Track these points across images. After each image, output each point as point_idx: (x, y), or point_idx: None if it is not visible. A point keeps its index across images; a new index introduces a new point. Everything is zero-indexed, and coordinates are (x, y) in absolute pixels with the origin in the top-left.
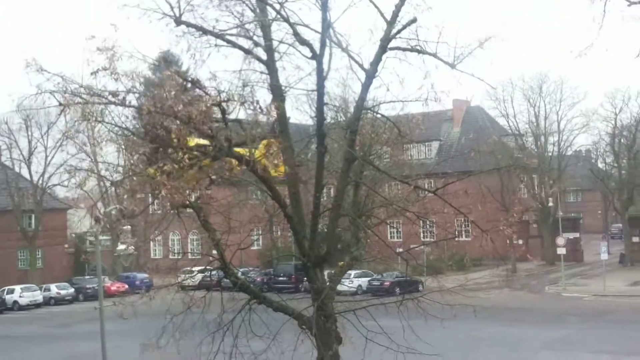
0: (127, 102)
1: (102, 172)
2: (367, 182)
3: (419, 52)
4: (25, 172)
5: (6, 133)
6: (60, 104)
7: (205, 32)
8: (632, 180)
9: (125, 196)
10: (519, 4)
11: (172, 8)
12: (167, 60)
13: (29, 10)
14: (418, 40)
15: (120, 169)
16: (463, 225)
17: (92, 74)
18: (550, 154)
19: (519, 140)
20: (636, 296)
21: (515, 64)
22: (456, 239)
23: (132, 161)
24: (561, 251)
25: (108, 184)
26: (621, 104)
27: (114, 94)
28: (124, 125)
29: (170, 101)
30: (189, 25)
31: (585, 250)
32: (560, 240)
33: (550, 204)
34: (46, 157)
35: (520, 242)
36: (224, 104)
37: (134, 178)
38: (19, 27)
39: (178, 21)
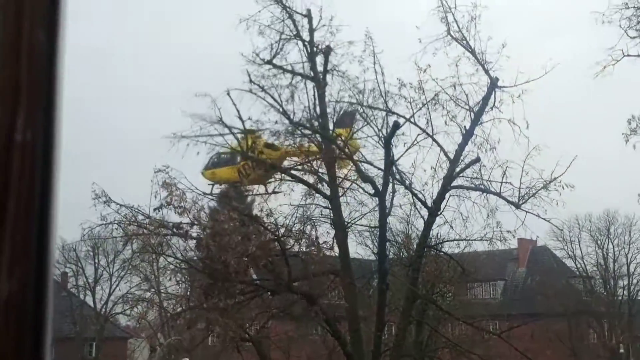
0: (189, 235)
1: (164, 304)
2: (430, 321)
3: (482, 191)
4: (89, 300)
5: (74, 260)
6: (126, 235)
7: (270, 167)
8: None
9: (186, 328)
10: (584, 144)
11: (239, 143)
12: (227, 196)
13: (97, 142)
14: (481, 179)
15: (181, 300)
16: None
17: (155, 210)
18: (620, 298)
19: (587, 283)
20: None
21: (582, 202)
22: None
23: (189, 293)
24: None
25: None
26: None
27: (177, 226)
28: (184, 258)
29: (229, 236)
30: (254, 160)
31: None
32: None
33: (622, 350)
34: (110, 285)
35: None
36: (283, 239)
37: (193, 311)
38: (88, 158)
39: (245, 156)
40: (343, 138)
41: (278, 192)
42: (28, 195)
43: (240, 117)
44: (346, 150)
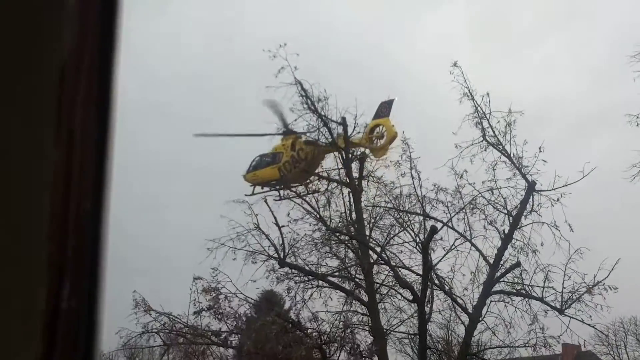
0: (229, 343)
1: None
2: None
3: (524, 296)
4: None
5: None
6: (165, 344)
7: (307, 273)
8: None
9: None
10: (625, 246)
11: (276, 250)
12: (268, 301)
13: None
14: (523, 283)
15: None
16: None
17: (194, 313)
18: None
19: None
20: None
21: (626, 304)
22: None
23: None
24: None
25: None
26: None
27: (217, 334)
28: None
29: (271, 343)
30: (292, 267)
31: None
32: None
33: None
34: None
35: None
36: (324, 347)
37: None
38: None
39: (282, 263)
40: (383, 128)
41: (318, 192)
42: None
43: (277, 224)
44: (383, 255)
